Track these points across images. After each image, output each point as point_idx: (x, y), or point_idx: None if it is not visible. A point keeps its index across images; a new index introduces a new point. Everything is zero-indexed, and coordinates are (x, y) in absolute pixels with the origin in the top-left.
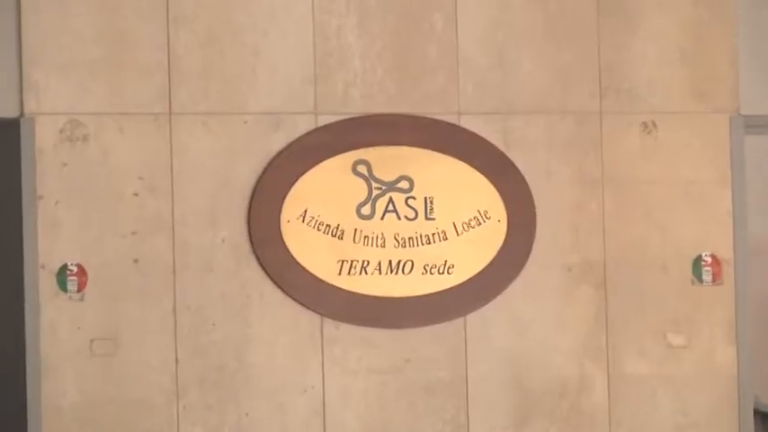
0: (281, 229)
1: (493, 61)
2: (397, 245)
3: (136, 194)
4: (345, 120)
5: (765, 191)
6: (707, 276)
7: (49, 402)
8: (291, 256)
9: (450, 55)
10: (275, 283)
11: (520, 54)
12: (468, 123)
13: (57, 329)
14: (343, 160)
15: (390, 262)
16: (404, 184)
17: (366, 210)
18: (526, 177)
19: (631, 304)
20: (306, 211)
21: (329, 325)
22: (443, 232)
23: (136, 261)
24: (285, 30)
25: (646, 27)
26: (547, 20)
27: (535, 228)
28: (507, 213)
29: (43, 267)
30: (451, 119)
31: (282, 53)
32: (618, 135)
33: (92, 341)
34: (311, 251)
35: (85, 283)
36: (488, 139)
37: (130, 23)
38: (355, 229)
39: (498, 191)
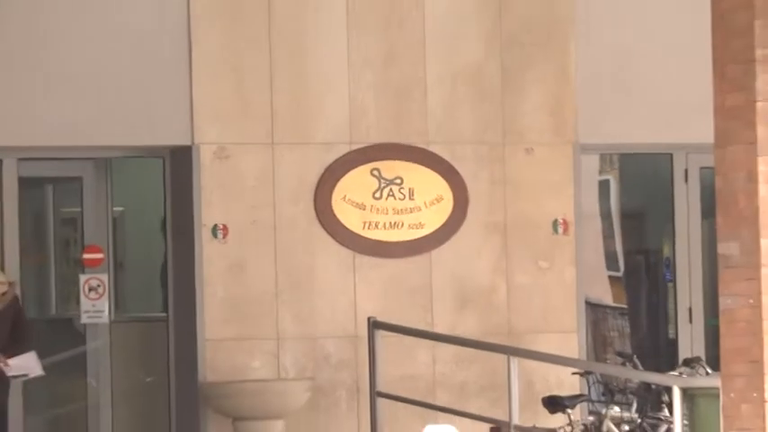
0: (332, 205)
1: (446, 114)
2: (394, 213)
3: (254, 186)
4: (366, 146)
5: (591, 186)
6: (560, 230)
7: (208, 297)
8: (338, 219)
9: (423, 111)
10: (329, 234)
11: (461, 110)
12: (433, 149)
13: (212, 259)
14: (365, 168)
15: (391, 222)
16: (398, 181)
17: (378, 194)
18: (464, 178)
19: (520, 245)
20: (345, 195)
21: (359, 257)
22: (419, 207)
23: (254, 222)
24: (334, 97)
25: (528, 95)
26: (475, 92)
27: (468, 204)
28: (453, 197)
29: (205, 225)
30: (424, 146)
31: (332, 110)
32: (512, 156)
33: (230, 265)
34: (348, 217)
35: (227, 234)
36: (444, 156)
37: (251, 93)
38: (371, 205)
39: (449, 184)
